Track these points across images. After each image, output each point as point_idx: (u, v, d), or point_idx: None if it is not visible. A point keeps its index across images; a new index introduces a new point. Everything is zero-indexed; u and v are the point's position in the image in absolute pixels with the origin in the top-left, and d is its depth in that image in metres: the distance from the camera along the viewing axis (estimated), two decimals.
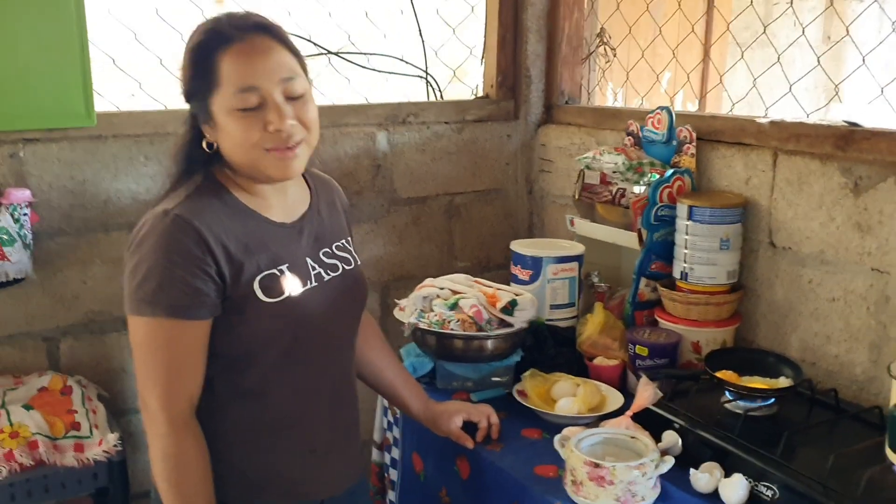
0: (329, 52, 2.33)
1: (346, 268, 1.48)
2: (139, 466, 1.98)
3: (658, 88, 2.93)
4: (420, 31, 2.47)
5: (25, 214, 1.87)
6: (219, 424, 1.34)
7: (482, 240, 2.55)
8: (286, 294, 1.34)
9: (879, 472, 1.31)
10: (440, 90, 2.56)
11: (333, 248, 1.48)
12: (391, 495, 1.90)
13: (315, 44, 2.30)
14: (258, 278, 1.32)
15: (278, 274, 1.34)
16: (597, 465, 1.36)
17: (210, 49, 1.26)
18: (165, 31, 2.09)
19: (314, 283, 1.39)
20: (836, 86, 2.00)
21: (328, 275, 1.43)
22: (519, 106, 2.53)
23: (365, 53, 2.39)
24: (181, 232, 1.25)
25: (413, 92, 2.56)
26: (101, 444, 1.76)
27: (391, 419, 1.89)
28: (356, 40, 2.39)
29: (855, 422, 1.54)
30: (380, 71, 2.44)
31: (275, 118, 1.26)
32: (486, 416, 1.65)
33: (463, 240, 2.52)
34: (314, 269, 1.41)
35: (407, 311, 1.86)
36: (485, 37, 2.53)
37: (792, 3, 2.13)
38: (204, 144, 1.32)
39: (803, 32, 1.97)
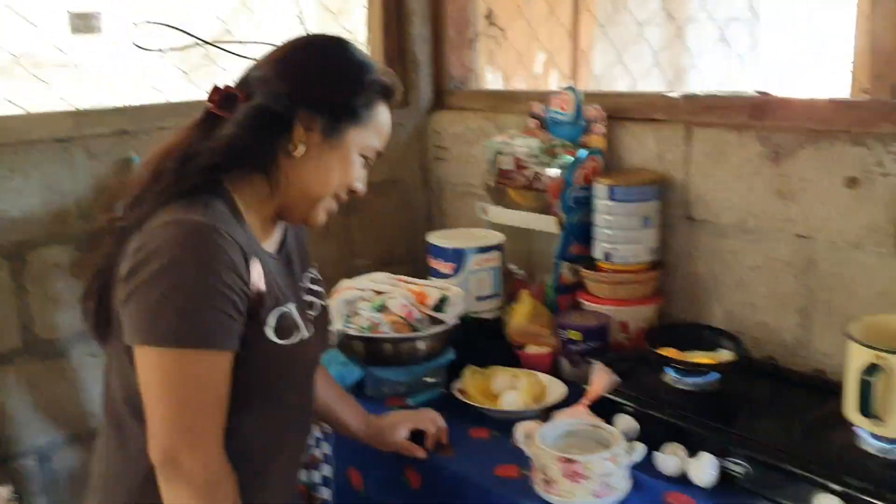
0: (205, 42, 2.15)
1: (322, 304, 1.38)
2: None
3: (532, 70, 2.92)
4: (301, 17, 2.32)
5: None
6: None
7: (382, 234, 2.44)
8: (295, 337, 1.22)
9: (844, 435, 1.33)
10: None
11: (308, 281, 1.37)
12: None
13: (189, 34, 2.11)
14: (273, 315, 1.18)
15: (287, 312, 1.21)
16: (570, 461, 1.30)
17: (378, 92, 1.24)
18: (20, 25, 1.85)
19: (311, 325, 1.28)
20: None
21: (311, 314, 1.32)
22: (408, 92, 2.43)
23: (242, 42, 2.22)
24: (229, 247, 1.09)
25: None
26: None
27: (320, 435, 1.76)
28: (233, 28, 2.22)
29: (799, 388, 1.57)
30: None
31: (364, 182, 1.30)
32: (432, 421, 1.55)
33: (362, 235, 2.40)
34: (304, 309, 1.29)
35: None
36: (368, 21, 2.41)
37: None
38: (296, 151, 1.19)
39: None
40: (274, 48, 1.25)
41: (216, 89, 1.22)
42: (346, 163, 1.24)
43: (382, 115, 1.26)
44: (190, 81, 2.11)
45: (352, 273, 1.94)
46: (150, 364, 1.08)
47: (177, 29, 2.06)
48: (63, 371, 1.90)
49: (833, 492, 1.23)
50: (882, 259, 1.55)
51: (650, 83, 2.67)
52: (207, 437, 1.11)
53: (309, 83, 1.21)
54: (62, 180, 1.84)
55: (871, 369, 1.24)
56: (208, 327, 1.07)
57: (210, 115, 1.21)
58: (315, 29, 2.39)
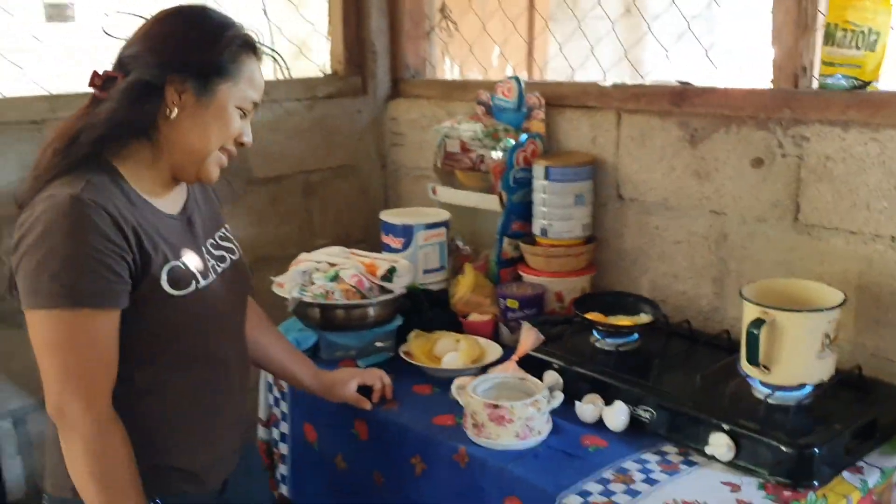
0: None
1: (233, 258, 1.49)
2: None
3: (489, 61, 3.08)
4: (265, 8, 2.45)
5: None
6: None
7: (340, 216, 2.59)
8: (192, 287, 1.33)
9: (738, 384, 1.50)
10: (287, 68, 2.56)
11: (217, 238, 1.49)
12: (282, 469, 1.92)
13: None
14: (164, 270, 1.30)
15: (182, 267, 1.33)
16: (496, 406, 1.47)
17: (240, 45, 1.33)
18: None
19: (213, 276, 1.39)
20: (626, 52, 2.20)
21: (220, 266, 1.44)
22: (367, 81, 2.58)
23: None
24: (96, 216, 1.20)
25: None
26: None
27: (277, 395, 1.90)
28: None
29: (707, 347, 1.73)
30: None
31: (249, 133, 1.39)
32: (378, 377, 1.71)
33: (322, 217, 2.54)
34: (209, 261, 1.41)
35: (287, 286, 1.88)
36: (329, 13, 2.56)
37: None
38: (171, 114, 1.28)
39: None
40: (142, 24, 1.36)
41: (95, 74, 1.33)
42: (223, 118, 1.33)
43: (249, 66, 1.35)
44: None
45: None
46: (35, 326, 1.21)
47: (141, 17, 2.18)
48: None
49: (725, 431, 1.40)
50: (782, 231, 1.72)
51: (616, 74, 2.81)
52: (93, 390, 1.22)
53: (173, 50, 1.30)
54: None
55: (757, 323, 1.42)
56: (83, 289, 1.19)
57: (95, 99, 1.32)
58: (279, 21, 2.53)
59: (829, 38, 1.63)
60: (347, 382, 1.68)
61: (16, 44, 2.02)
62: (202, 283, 1.35)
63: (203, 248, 1.42)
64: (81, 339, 1.21)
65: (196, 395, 1.38)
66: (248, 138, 1.39)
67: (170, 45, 1.30)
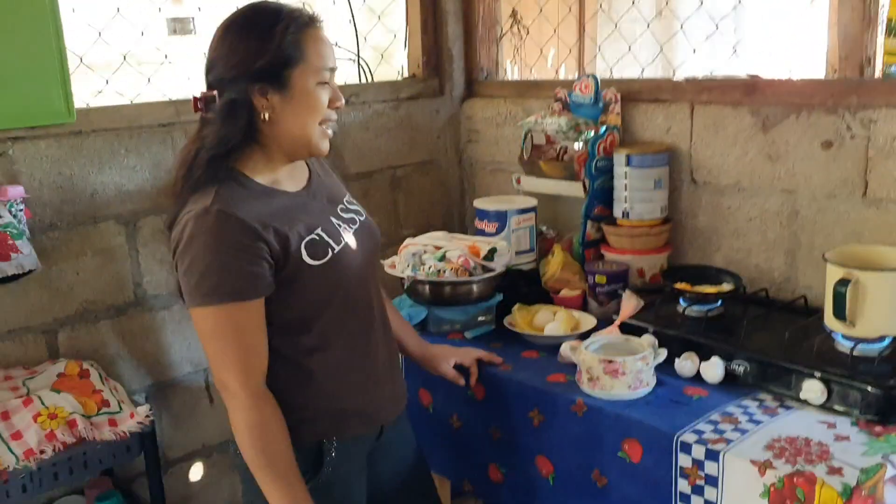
0: None
1: (361, 219, 1.66)
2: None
3: (545, 62, 3.29)
4: (353, 18, 2.67)
5: (21, 210, 1.93)
6: (295, 378, 1.50)
7: (422, 208, 2.79)
8: (329, 254, 1.50)
9: (822, 340, 1.69)
10: (371, 72, 2.78)
11: (346, 202, 1.66)
12: None
13: None
14: (303, 245, 1.47)
15: (317, 238, 1.50)
16: (610, 361, 1.66)
17: (291, 27, 1.42)
18: (126, 29, 2.18)
19: (346, 239, 1.57)
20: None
21: (351, 228, 1.60)
22: (444, 83, 2.79)
23: None
24: (227, 225, 1.38)
25: (343, 76, 2.75)
26: (134, 417, 1.88)
27: None
28: None
29: (785, 311, 1.92)
30: None
31: (339, 95, 1.51)
32: (474, 361, 1.88)
33: (406, 209, 2.75)
34: (340, 226, 1.58)
35: (399, 267, 2.09)
36: (407, 21, 2.77)
37: None
38: (265, 117, 1.44)
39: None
40: (209, 47, 1.48)
41: (196, 99, 1.48)
42: (309, 99, 1.45)
43: (310, 42, 1.44)
44: None
45: (399, 240, 2.28)
46: (195, 321, 1.42)
47: None
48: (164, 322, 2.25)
49: (817, 378, 1.59)
50: (853, 206, 1.91)
51: (652, 71, 3.04)
52: (246, 369, 1.41)
53: (240, 64, 1.42)
54: (167, 159, 2.18)
55: (843, 282, 1.61)
56: (224, 287, 1.38)
57: (203, 121, 1.49)
58: (363, 29, 2.74)
59: (890, 31, 1.82)
60: (447, 359, 1.86)
61: (143, 56, 2.23)
62: (337, 248, 1.52)
63: (333, 216, 1.58)
64: (229, 328, 1.40)
65: (353, 341, 1.57)
66: (340, 101, 1.50)
67: (235, 60, 1.43)
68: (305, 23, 1.45)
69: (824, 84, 1.93)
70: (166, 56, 2.31)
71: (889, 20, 1.83)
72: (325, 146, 1.53)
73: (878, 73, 1.90)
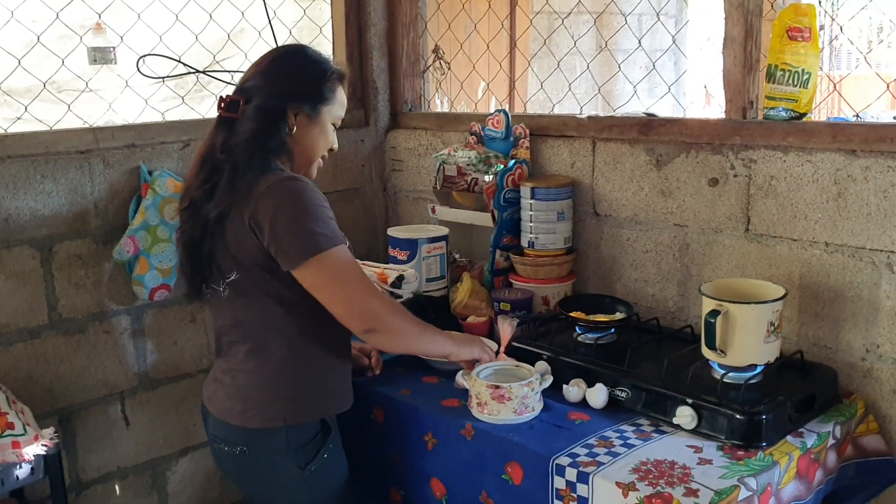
0: (198, 71, 2.55)
1: None
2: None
3: (475, 96, 3.39)
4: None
5: None
6: (321, 352, 1.76)
7: (346, 233, 2.83)
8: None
9: (699, 367, 1.79)
10: None
11: None
12: None
13: (185, 64, 2.51)
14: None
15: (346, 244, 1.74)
16: (497, 387, 1.74)
17: (334, 76, 1.79)
18: (47, 57, 2.23)
19: None
20: (600, 87, 2.52)
21: None
22: (369, 114, 2.87)
23: (230, 71, 2.63)
24: (314, 188, 1.67)
25: None
26: (38, 440, 1.91)
27: None
28: (220, 59, 2.63)
29: (673, 339, 2.02)
30: None
31: (336, 143, 1.86)
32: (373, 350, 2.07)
33: None
34: None
35: None
36: (333, 54, 2.85)
37: (563, 21, 2.65)
38: (291, 132, 1.72)
39: (575, 45, 2.49)
40: (257, 61, 1.78)
41: (222, 98, 1.73)
42: (325, 132, 1.80)
43: (341, 92, 1.81)
44: (185, 104, 2.52)
45: None
46: (324, 267, 1.62)
47: (176, 60, 2.47)
48: (79, 345, 2.28)
49: (688, 404, 1.68)
50: (736, 240, 2.02)
51: (590, 108, 3.15)
52: (374, 290, 1.69)
53: (293, 83, 1.74)
54: (84, 185, 2.22)
55: (714, 313, 1.71)
56: (337, 232, 1.66)
57: (221, 118, 1.73)
58: None
59: (770, 77, 1.94)
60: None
61: (63, 84, 2.29)
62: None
63: None
64: (350, 263, 1.67)
65: (337, 331, 1.75)
66: (335, 146, 1.84)
67: (288, 79, 1.74)
68: (341, 76, 1.81)
69: (711, 124, 2.04)
70: (87, 84, 2.36)
71: (769, 66, 1.94)
72: (314, 172, 1.85)
73: (759, 116, 2.01)
